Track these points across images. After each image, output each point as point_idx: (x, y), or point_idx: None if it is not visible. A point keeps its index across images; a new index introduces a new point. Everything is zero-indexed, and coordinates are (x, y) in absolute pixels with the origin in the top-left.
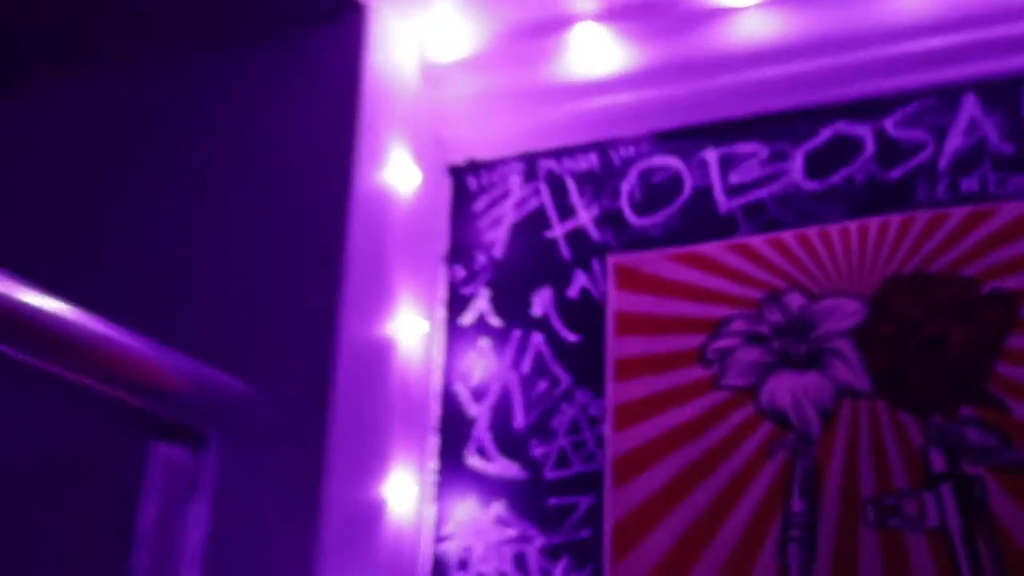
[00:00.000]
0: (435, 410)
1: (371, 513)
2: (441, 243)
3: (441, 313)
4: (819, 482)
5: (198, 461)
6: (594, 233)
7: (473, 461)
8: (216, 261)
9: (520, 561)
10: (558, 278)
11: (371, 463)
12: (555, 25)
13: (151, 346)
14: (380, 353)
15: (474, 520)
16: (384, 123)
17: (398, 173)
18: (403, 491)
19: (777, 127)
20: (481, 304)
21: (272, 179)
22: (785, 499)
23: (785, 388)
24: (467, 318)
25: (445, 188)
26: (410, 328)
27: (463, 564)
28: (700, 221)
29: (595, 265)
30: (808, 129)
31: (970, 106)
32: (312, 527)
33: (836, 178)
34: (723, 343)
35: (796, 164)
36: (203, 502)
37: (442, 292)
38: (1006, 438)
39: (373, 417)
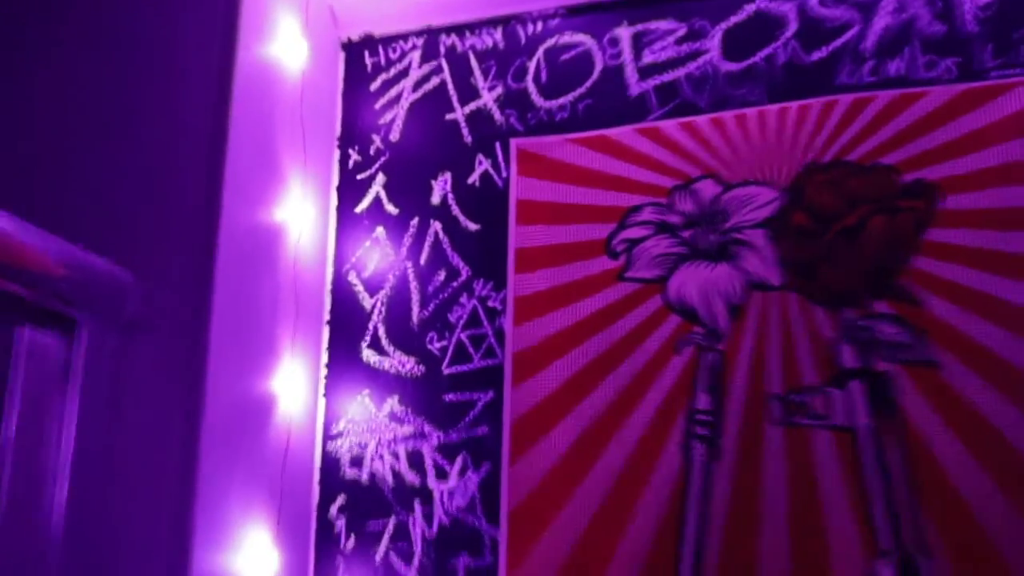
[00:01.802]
0: (327, 302)
1: (259, 408)
2: (333, 125)
3: (333, 199)
4: (725, 378)
5: (68, 349)
6: (497, 115)
7: (367, 355)
8: (92, 142)
9: (415, 459)
10: (458, 163)
11: (258, 356)
12: None
13: (14, 223)
14: (267, 240)
15: (368, 416)
16: None
17: (287, 48)
18: (293, 386)
19: (696, 3)
20: (376, 190)
21: (151, 53)
22: (690, 395)
23: (694, 281)
24: (361, 205)
25: (338, 65)
26: (300, 214)
27: (356, 462)
28: (610, 104)
29: (498, 150)
30: (728, 6)
31: None
32: (194, 423)
33: (756, 58)
34: (631, 233)
35: (714, 43)
36: (73, 395)
37: (335, 177)
38: (921, 334)
39: (260, 307)
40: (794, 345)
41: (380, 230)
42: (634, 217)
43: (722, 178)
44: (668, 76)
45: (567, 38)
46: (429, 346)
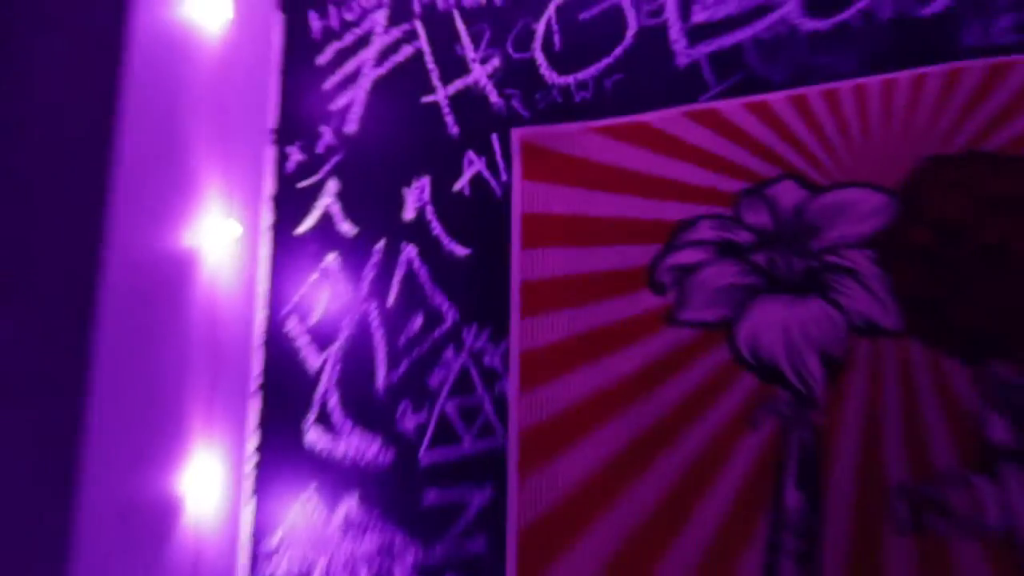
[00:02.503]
0: (257, 361)
1: (157, 516)
2: (266, 112)
3: (266, 216)
4: (824, 465)
5: None
6: (494, 97)
7: (314, 437)
8: None
9: None
10: (441, 163)
11: (158, 439)
12: None
13: None
14: (171, 274)
15: (315, 525)
16: None
17: (201, 6)
18: (207, 483)
19: None
20: (326, 202)
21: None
22: (775, 491)
23: (774, 324)
24: (306, 223)
25: (274, 30)
26: (217, 237)
27: None
28: (648, 78)
29: (495, 144)
30: None
31: None
32: (63, 533)
33: (850, 12)
34: (682, 257)
35: None
36: None
37: (268, 184)
38: None
39: (160, 370)
40: (920, 414)
41: (331, 258)
42: (686, 235)
43: (808, 179)
44: (728, 39)
45: None
46: (400, 422)
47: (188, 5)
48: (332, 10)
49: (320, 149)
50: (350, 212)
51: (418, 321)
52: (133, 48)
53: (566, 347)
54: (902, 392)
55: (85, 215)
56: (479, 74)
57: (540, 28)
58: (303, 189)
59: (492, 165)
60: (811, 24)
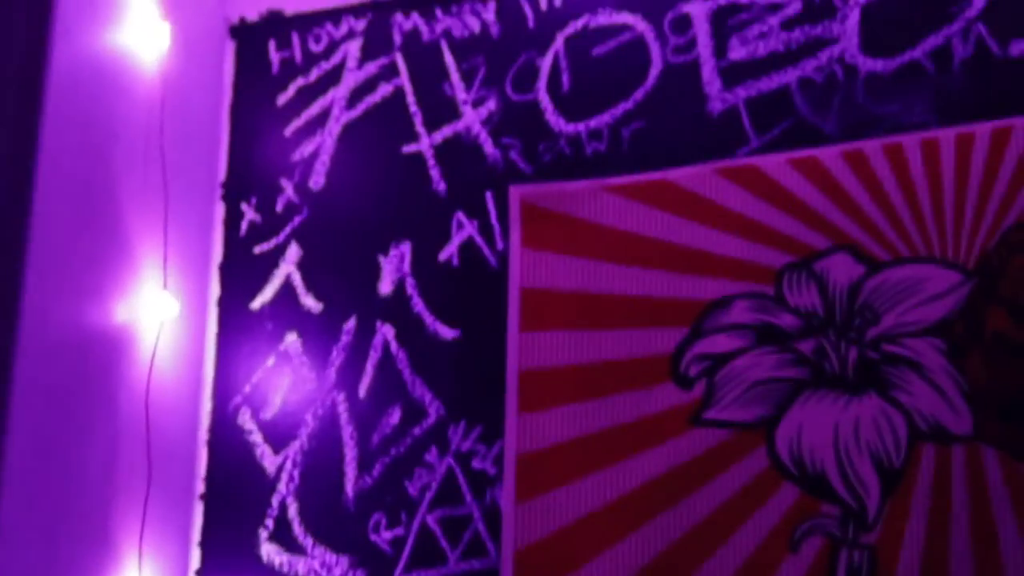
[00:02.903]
0: (202, 461)
1: None
2: (216, 161)
3: (214, 287)
4: None
5: None
6: (489, 147)
7: (269, 552)
8: None
9: None
10: (424, 226)
11: (81, 555)
12: None
13: None
14: (97, 355)
15: None
16: None
17: (137, 31)
18: None
19: None
20: (287, 271)
21: None
22: None
23: (821, 426)
24: (262, 296)
25: (224, 62)
26: (154, 312)
27: None
28: (675, 127)
29: (489, 204)
30: None
31: None
32: None
33: (917, 52)
34: (713, 344)
35: (848, 27)
36: None
37: (217, 249)
38: None
39: (86, 469)
40: (994, 536)
41: (292, 338)
42: (719, 318)
43: (866, 252)
44: (772, 81)
45: (604, 18)
46: (373, 537)
47: (119, 31)
48: (295, 39)
49: (279, 207)
50: (315, 284)
51: (395, 416)
52: (52, 85)
53: (573, 449)
54: (973, 509)
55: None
56: (471, 119)
57: (545, 64)
58: (259, 255)
59: (486, 229)
60: (871, 64)
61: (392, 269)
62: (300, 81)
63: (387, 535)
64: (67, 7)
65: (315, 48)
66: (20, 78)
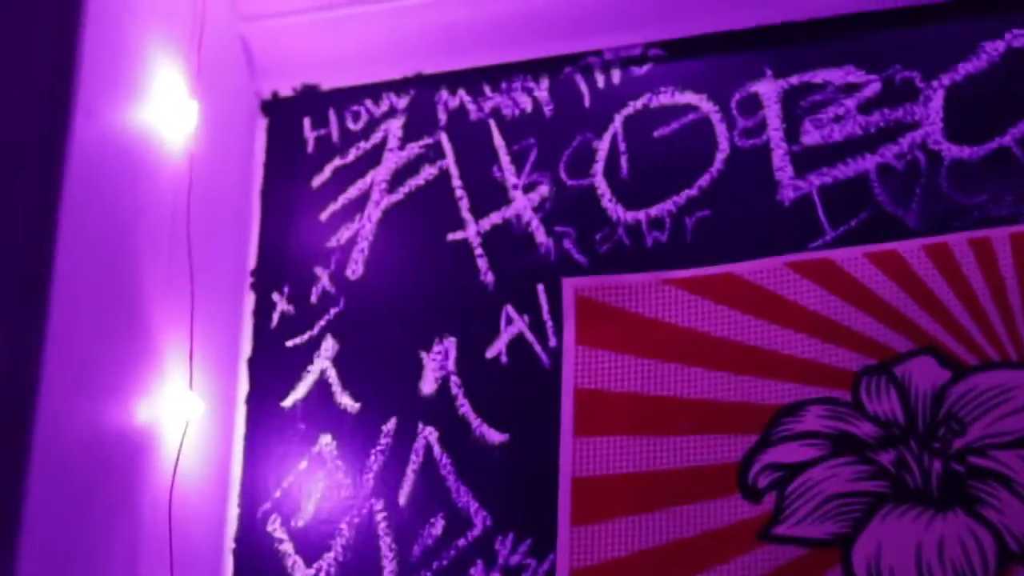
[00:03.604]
0: (226, 569)
1: None
2: (246, 246)
3: (243, 384)
4: None
5: None
6: (541, 235)
7: None
8: None
9: None
10: (471, 321)
11: None
12: None
13: None
14: (117, 458)
15: None
16: (130, 17)
17: (162, 110)
18: None
19: (894, 39)
20: (321, 367)
21: None
22: None
23: (902, 545)
24: (294, 394)
25: (255, 140)
26: (178, 412)
27: None
28: (743, 216)
29: (542, 297)
30: (955, 45)
31: None
32: None
33: (1006, 139)
34: (783, 454)
35: (932, 110)
36: None
37: (245, 343)
38: None
39: None
40: None
41: (326, 440)
42: (790, 424)
43: (951, 355)
44: (848, 168)
45: (666, 98)
46: None
47: (144, 108)
48: (332, 116)
49: (314, 298)
50: (352, 381)
51: (438, 526)
52: (72, 165)
53: (630, 565)
54: None
55: (9, 386)
56: (522, 205)
57: (603, 147)
58: (291, 349)
59: (537, 325)
60: (957, 151)
61: (435, 367)
62: (337, 162)
63: None
64: (90, 83)
65: (353, 126)
66: (38, 158)
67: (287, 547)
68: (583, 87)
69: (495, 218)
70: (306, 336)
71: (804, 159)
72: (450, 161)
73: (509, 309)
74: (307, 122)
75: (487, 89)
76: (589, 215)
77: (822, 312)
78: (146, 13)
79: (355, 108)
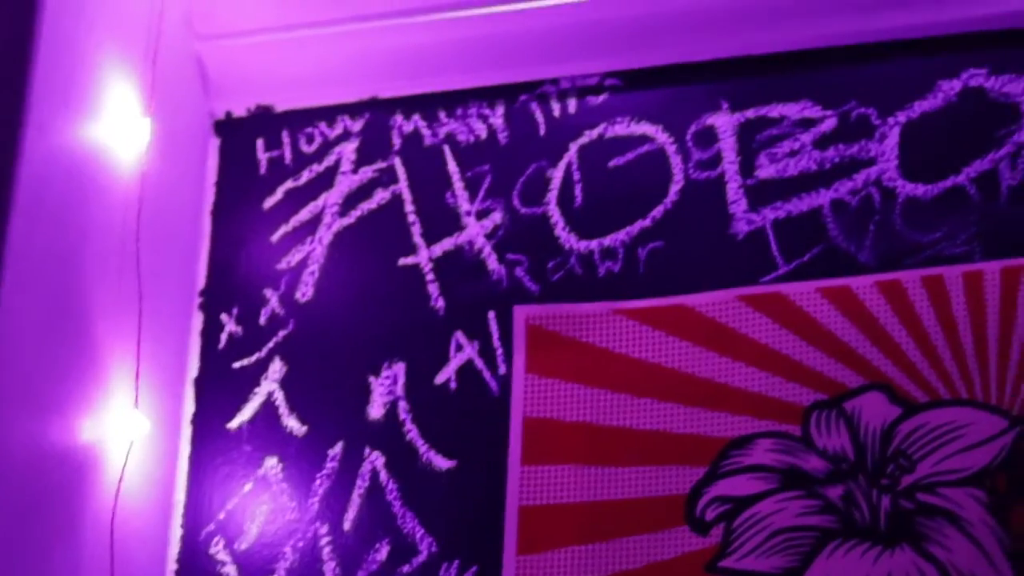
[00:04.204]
0: None
1: None
2: (195, 267)
3: (188, 405)
4: None
5: None
6: (493, 263)
7: None
8: None
9: None
10: (420, 347)
11: None
12: None
13: None
14: (59, 478)
15: None
16: (85, 33)
17: (116, 127)
18: None
19: (851, 75)
20: (268, 390)
21: None
22: None
23: None
24: (241, 415)
25: (207, 161)
26: (121, 432)
27: None
28: (696, 248)
29: (492, 325)
30: (911, 82)
31: None
32: None
33: (962, 178)
34: (732, 487)
35: (887, 147)
36: None
37: (192, 363)
38: None
39: None
40: None
41: (272, 463)
42: (738, 458)
43: (901, 392)
44: (802, 203)
45: (621, 128)
46: None
47: (96, 126)
48: (285, 138)
49: (263, 320)
50: (299, 404)
51: (383, 552)
52: (21, 182)
53: None
54: None
55: None
56: (475, 232)
57: (557, 175)
58: (239, 371)
59: (487, 352)
60: (911, 189)
61: (384, 391)
62: (289, 184)
63: None
64: (42, 98)
65: (307, 148)
66: None
67: (230, 570)
68: (539, 115)
69: (447, 244)
70: (254, 358)
71: (758, 193)
72: (403, 186)
73: (459, 335)
74: (260, 143)
75: (442, 115)
76: (542, 243)
77: (773, 346)
78: (101, 29)
79: (309, 130)
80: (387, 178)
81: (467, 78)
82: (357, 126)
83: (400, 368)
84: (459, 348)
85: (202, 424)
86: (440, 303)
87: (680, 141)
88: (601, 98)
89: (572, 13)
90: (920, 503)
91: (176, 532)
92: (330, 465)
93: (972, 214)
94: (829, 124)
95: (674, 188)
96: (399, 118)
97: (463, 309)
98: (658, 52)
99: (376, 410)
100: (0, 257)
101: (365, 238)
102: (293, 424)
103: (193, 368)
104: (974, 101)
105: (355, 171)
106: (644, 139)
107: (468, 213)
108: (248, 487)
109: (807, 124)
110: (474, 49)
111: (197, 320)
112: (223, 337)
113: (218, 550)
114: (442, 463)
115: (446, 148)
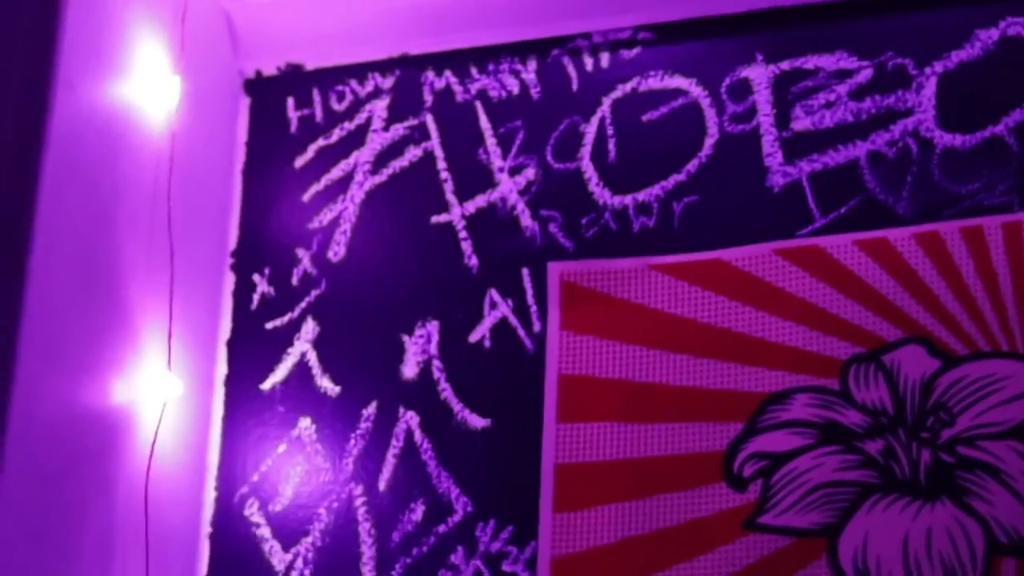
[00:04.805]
0: (203, 556)
1: None
2: (226, 227)
3: (221, 365)
4: None
5: None
6: (526, 219)
7: None
8: None
9: None
10: (454, 305)
11: None
12: None
13: None
14: (93, 439)
15: None
16: None
17: (146, 85)
18: None
19: (886, 25)
20: (301, 350)
21: None
22: None
23: (889, 536)
24: (273, 376)
25: (237, 120)
26: (155, 393)
27: None
28: (731, 202)
29: (526, 281)
30: (947, 31)
31: None
32: None
33: (1000, 128)
34: (769, 442)
35: (924, 97)
36: None
37: (224, 324)
38: None
39: (76, 561)
40: None
41: (306, 424)
42: (776, 413)
43: (941, 345)
44: (838, 155)
45: (655, 81)
46: None
47: (126, 84)
48: (316, 96)
49: (295, 280)
50: (332, 364)
51: (418, 512)
52: (51, 141)
53: (613, 554)
54: None
55: None
56: (507, 188)
57: (590, 131)
58: (271, 331)
59: (521, 310)
60: (948, 139)
61: (417, 350)
62: (320, 142)
63: None
64: (72, 55)
65: (337, 107)
66: (17, 134)
67: (264, 531)
68: (571, 70)
69: (480, 201)
70: (286, 318)
71: (794, 145)
72: (435, 143)
73: (493, 293)
74: (291, 102)
75: (474, 71)
76: (575, 199)
77: (810, 300)
78: None
79: (339, 88)
80: (419, 135)
81: (499, 33)
82: (388, 83)
83: (434, 327)
84: (493, 306)
85: (235, 385)
86: (473, 261)
87: (714, 94)
88: (634, 52)
89: None
90: (960, 456)
91: (210, 494)
92: (364, 425)
93: (1011, 164)
94: (865, 75)
95: (709, 141)
96: (430, 74)
97: (496, 266)
98: (691, 4)
99: (410, 369)
100: (31, 217)
101: (397, 196)
102: (326, 384)
103: (225, 329)
104: (1012, 50)
105: (386, 128)
106: (678, 92)
107: (501, 169)
108: (282, 448)
109: (843, 75)
110: (505, 4)
111: (229, 280)
112: (255, 297)
113: (252, 512)
114: (477, 422)
115: (478, 104)
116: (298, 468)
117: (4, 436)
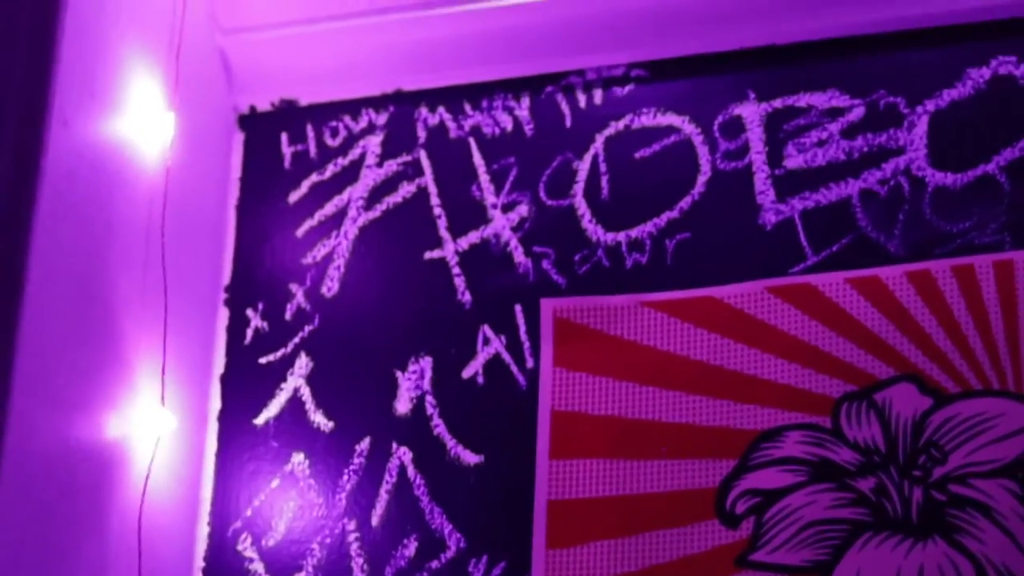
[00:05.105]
0: None
1: None
2: (220, 262)
3: (215, 401)
4: None
5: None
6: (519, 255)
7: None
8: None
9: None
10: (447, 341)
11: None
12: None
13: None
14: (85, 474)
15: None
16: (108, 27)
17: (140, 121)
18: None
19: (879, 64)
20: (294, 385)
21: None
22: None
23: (882, 573)
24: (267, 411)
25: (231, 155)
26: (148, 428)
27: None
28: (724, 239)
29: (519, 318)
30: (940, 70)
31: None
32: None
33: (991, 167)
34: (762, 480)
35: (916, 136)
36: None
37: (218, 360)
38: None
39: None
40: None
41: (299, 459)
42: (769, 450)
43: (932, 383)
44: (831, 193)
45: (648, 119)
46: None
47: (120, 120)
48: (310, 132)
49: (288, 315)
50: (325, 400)
51: (411, 547)
52: (46, 177)
53: None
54: None
55: None
56: (501, 225)
57: (583, 168)
58: (265, 366)
59: (515, 346)
60: (940, 178)
61: (411, 386)
62: (314, 178)
63: None
64: (67, 92)
65: (331, 142)
66: (12, 168)
67: (258, 566)
68: (564, 107)
69: (473, 237)
70: (280, 353)
71: (786, 183)
72: (428, 179)
73: (486, 329)
74: (284, 137)
75: (467, 107)
76: (568, 236)
77: (802, 337)
78: (124, 23)
79: (333, 124)
80: (412, 171)
81: (492, 70)
82: (382, 119)
83: (427, 363)
84: (486, 342)
85: (228, 420)
86: (467, 297)
87: (707, 131)
88: (627, 89)
89: (597, 3)
90: (952, 495)
91: (203, 529)
92: (357, 461)
93: (1002, 203)
94: (857, 113)
95: (701, 179)
96: (424, 111)
97: (490, 303)
98: (684, 42)
99: (403, 405)
100: (26, 252)
101: (391, 232)
102: (320, 420)
103: (219, 364)
104: (1004, 89)
105: (380, 164)
106: (671, 130)
107: (494, 206)
108: (275, 483)
109: (835, 113)
110: (499, 40)
111: (223, 315)
112: (249, 332)
113: (245, 547)
114: (470, 458)
115: (471, 140)
116: (291, 503)
117: None
